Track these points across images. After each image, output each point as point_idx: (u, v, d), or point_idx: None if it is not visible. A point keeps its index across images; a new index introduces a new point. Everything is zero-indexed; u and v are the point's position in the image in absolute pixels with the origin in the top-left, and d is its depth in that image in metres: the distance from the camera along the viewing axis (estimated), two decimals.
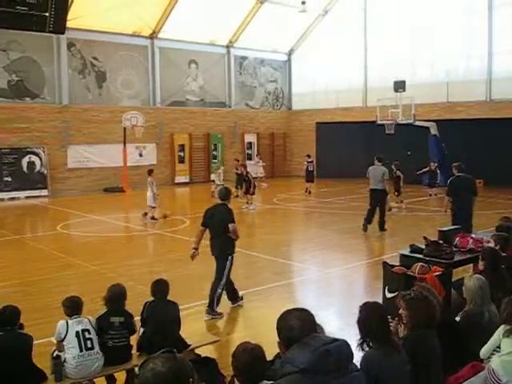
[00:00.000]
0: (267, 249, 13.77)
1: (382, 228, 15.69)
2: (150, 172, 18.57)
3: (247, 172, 22.19)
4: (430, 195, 23.38)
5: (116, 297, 6.06)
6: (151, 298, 6.39)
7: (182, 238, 15.23)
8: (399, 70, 29.20)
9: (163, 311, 6.27)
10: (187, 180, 31.05)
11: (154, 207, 18.18)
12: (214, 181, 24.54)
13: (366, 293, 10.35)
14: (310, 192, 25.80)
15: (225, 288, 8.91)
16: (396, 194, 20.81)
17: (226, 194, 8.96)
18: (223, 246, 8.80)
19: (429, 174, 23.90)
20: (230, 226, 8.64)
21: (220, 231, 8.71)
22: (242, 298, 9.34)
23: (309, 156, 27.00)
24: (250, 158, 33.90)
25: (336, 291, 10.73)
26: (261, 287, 10.29)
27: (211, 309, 8.74)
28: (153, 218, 18.04)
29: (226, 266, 8.81)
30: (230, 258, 8.85)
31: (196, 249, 8.84)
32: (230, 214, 8.71)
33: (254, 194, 21.63)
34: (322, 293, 10.38)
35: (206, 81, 32.47)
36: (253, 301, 9.52)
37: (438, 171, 23.81)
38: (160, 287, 6.43)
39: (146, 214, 18.35)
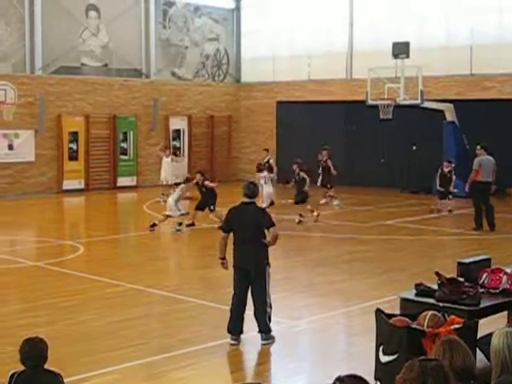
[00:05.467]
0: (201, 290, 13.67)
1: (492, 227, 20.06)
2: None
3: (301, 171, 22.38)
4: (439, 211, 23.50)
5: None
6: (22, 367, 6.18)
7: (72, 272, 15.08)
8: (401, 28, 29.54)
9: None
10: (81, 186, 30.65)
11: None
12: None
13: (348, 356, 10.28)
14: (331, 198, 25.03)
15: (237, 312, 10.57)
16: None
17: (254, 191, 10.85)
18: (258, 255, 10.57)
19: (440, 178, 24.06)
20: (272, 230, 10.47)
21: (253, 237, 10.52)
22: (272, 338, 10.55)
23: (325, 149, 24.97)
24: (176, 153, 33.63)
25: (305, 354, 10.65)
26: (191, 348, 10.19)
27: (267, 334, 10.44)
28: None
29: (266, 279, 10.55)
30: (268, 269, 10.61)
31: (224, 258, 10.94)
32: (266, 216, 10.73)
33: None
34: (284, 356, 10.33)
35: (111, 37, 32.22)
36: (177, 369, 9.41)
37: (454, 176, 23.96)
38: (33, 350, 6.23)
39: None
